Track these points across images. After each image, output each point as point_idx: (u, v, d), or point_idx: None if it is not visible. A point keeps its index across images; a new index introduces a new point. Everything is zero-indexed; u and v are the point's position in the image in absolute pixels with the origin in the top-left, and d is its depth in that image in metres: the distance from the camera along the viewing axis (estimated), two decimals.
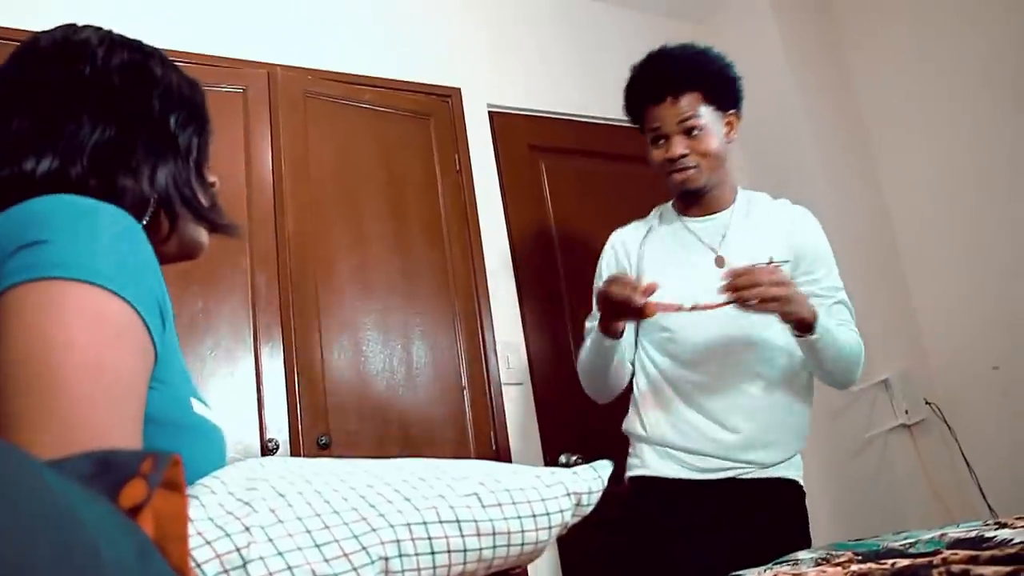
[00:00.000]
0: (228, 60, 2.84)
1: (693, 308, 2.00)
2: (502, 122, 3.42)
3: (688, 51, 2.30)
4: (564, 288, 3.29)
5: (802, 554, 1.44)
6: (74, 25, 1.09)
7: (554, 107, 3.56)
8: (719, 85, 2.25)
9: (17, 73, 1.04)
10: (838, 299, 2.22)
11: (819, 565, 1.20)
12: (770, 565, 1.36)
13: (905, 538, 1.40)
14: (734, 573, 1.26)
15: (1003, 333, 3.27)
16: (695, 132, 2.20)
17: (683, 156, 2.20)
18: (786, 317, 2.01)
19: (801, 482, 2.29)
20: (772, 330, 2.17)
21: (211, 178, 1.18)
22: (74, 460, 0.42)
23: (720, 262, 2.22)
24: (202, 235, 1.14)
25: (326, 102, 2.97)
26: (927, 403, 3.39)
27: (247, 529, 0.77)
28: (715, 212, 2.31)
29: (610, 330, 2.17)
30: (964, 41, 3.45)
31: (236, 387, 2.52)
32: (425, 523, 0.86)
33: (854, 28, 3.90)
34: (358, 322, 2.77)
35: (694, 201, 2.32)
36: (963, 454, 3.29)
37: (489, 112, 3.39)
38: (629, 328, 2.31)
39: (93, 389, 0.75)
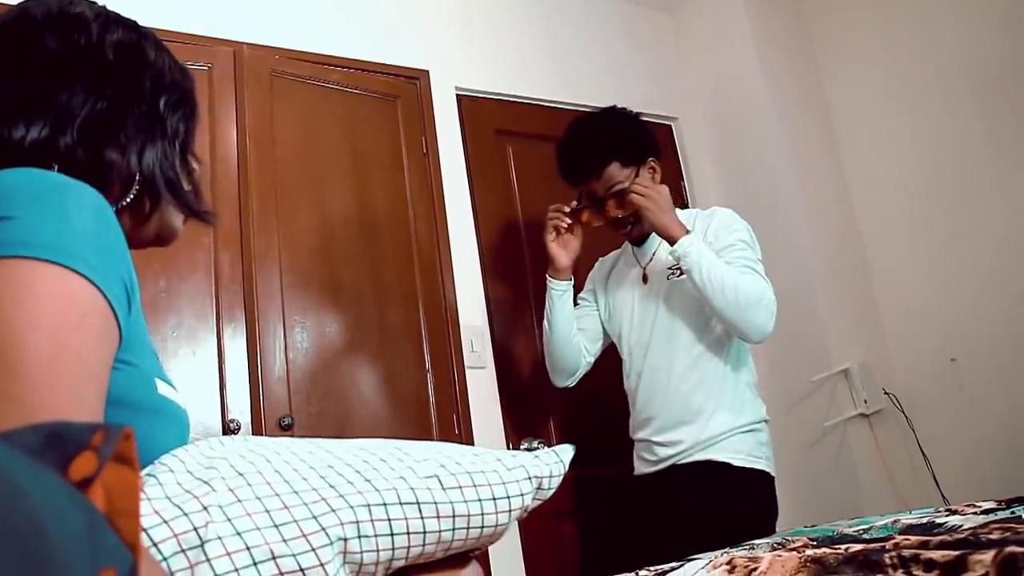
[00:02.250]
0: (193, 37, 2.80)
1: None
2: (470, 106, 3.41)
3: (599, 124, 2.60)
4: (529, 273, 3.29)
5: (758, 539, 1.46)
6: None
7: (522, 92, 3.56)
8: (631, 147, 2.54)
9: (7, 40, 1.01)
10: (748, 267, 2.37)
11: (775, 550, 1.22)
12: (726, 549, 1.37)
13: (859, 524, 1.43)
14: (689, 557, 1.28)
15: (961, 327, 3.32)
16: (617, 193, 2.51)
17: (619, 218, 2.54)
18: (652, 226, 2.42)
19: (740, 464, 2.38)
20: (684, 312, 2.48)
21: (193, 164, 1.17)
22: (23, 432, 0.41)
23: (645, 278, 2.60)
24: (178, 221, 1.13)
25: (293, 81, 2.94)
26: (886, 393, 3.44)
27: (205, 508, 0.76)
28: (648, 236, 2.61)
29: (556, 267, 2.60)
30: (931, 36, 3.48)
31: (198, 367, 2.50)
32: (385, 504, 0.86)
33: (824, 18, 3.93)
34: (322, 303, 2.76)
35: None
36: (919, 443, 3.34)
37: (457, 95, 3.38)
38: (585, 314, 2.73)
39: (55, 373, 0.73)
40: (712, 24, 3.99)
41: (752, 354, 2.59)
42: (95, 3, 1.08)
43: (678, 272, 2.44)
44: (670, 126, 3.95)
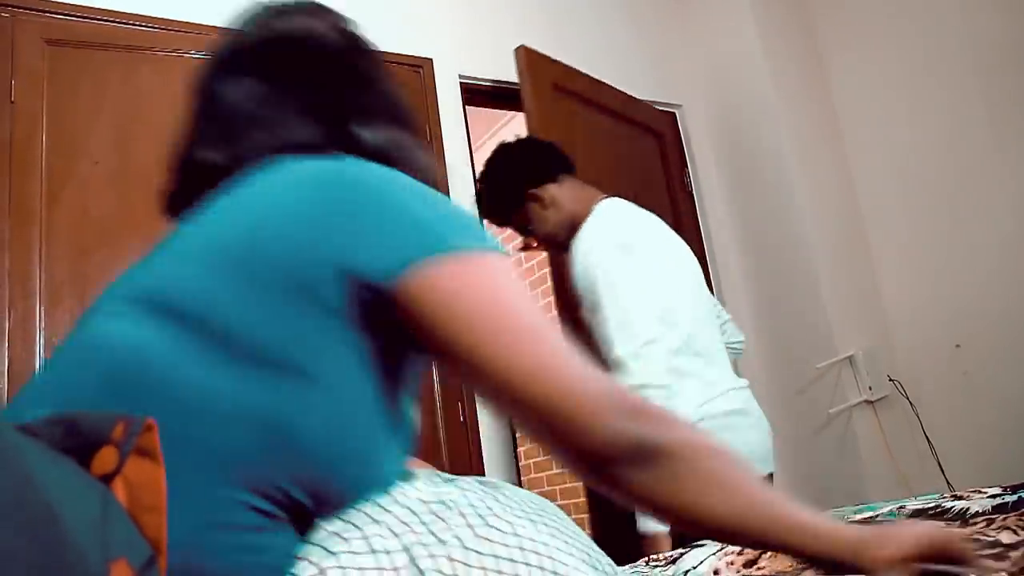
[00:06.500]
0: (193, 26, 2.78)
1: None
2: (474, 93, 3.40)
3: (484, 186, 2.55)
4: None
5: None
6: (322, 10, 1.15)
7: None
8: (509, 202, 2.48)
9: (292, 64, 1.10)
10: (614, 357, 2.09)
11: None
12: None
13: (864, 510, 1.43)
14: (689, 545, 1.28)
15: (965, 313, 3.32)
16: (528, 232, 2.51)
17: (537, 247, 2.59)
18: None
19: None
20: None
21: None
22: (42, 423, 0.41)
23: None
24: None
25: None
26: (890, 380, 3.45)
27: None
28: (563, 245, 2.44)
29: None
30: (934, 22, 3.47)
31: None
32: None
33: (827, 3, 3.91)
34: None
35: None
36: (924, 430, 3.35)
37: (461, 83, 3.37)
38: None
39: (549, 324, 0.87)
40: (716, 10, 3.97)
41: (747, 343, 2.73)
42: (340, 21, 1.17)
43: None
44: (674, 113, 3.94)
